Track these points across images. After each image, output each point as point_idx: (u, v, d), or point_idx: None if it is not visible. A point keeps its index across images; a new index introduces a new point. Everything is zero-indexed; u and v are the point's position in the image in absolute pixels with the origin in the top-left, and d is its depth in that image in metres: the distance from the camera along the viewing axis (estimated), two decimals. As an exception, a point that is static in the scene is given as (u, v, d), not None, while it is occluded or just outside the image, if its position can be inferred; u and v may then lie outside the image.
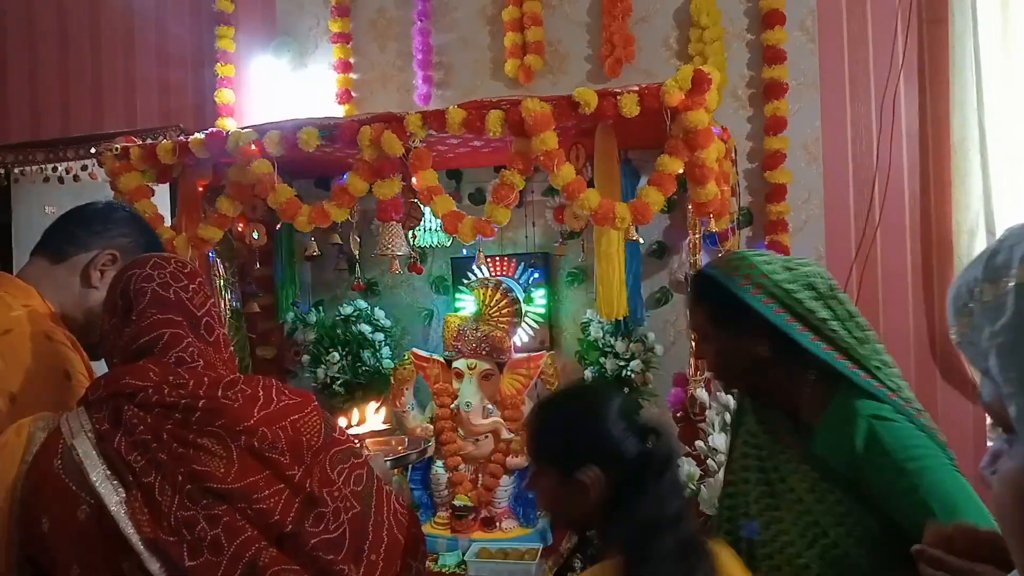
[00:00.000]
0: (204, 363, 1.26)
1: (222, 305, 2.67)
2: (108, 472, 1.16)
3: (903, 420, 1.39)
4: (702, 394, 2.19)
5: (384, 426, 2.19)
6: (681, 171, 2.02)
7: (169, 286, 1.30)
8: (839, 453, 1.41)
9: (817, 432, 1.46)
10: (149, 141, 2.50)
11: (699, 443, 2.13)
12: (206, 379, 1.22)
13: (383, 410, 2.27)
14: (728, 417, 2.15)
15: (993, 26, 2.42)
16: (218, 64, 3.24)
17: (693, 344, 1.72)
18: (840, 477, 1.42)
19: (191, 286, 1.32)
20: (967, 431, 2.54)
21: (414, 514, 1.33)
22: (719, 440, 2.10)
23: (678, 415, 2.28)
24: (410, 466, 2.62)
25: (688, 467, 2.15)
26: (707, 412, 2.18)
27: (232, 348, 1.35)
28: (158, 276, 1.31)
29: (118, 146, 2.48)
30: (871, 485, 1.38)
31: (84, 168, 3.42)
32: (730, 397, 2.19)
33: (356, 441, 1.33)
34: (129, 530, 1.12)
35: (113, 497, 1.14)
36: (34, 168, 3.47)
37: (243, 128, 2.36)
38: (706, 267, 1.59)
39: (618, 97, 2.00)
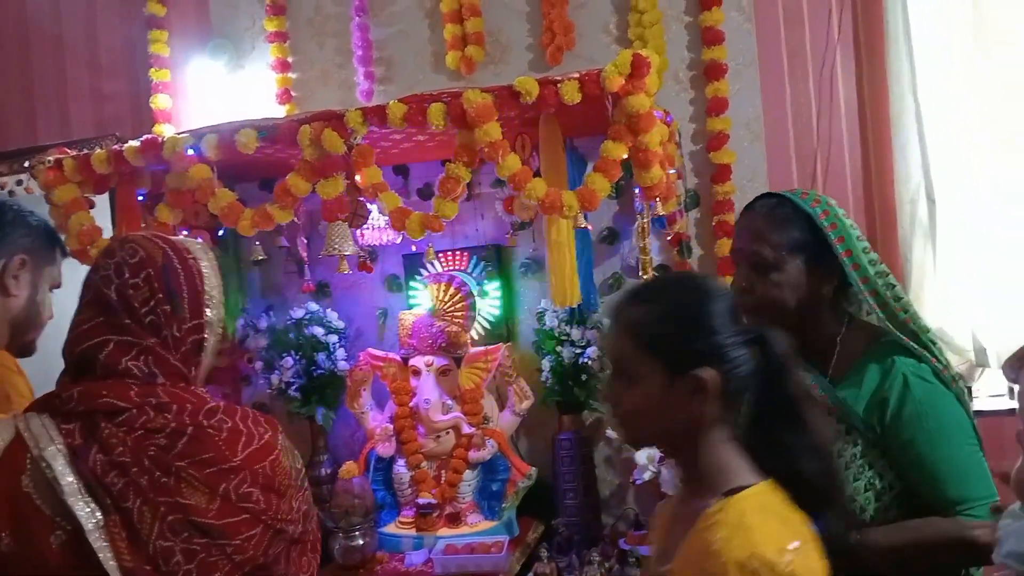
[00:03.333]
0: (162, 371, 1.19)
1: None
2: (84, 493, 1.10)
3: (940, 385, 1.40)
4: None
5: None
6: (626, 156, 2.02)
7: (110, 282, 1.21)
8: (869, 405, 1.41)
9: (847, 383, 1.44)
10: (85, 151, 2.43)
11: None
12: (189, 405, 1.17)
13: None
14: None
15: (923, -3, 2.46)
16: (152, 69, 3.16)
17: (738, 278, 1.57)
18: (864, 430, 1.41)
19: (132, 280, 1.20)
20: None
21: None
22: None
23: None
24: (371, 467, 2.60)
25: (647, 450, 2.16)
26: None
27: (194, 343, 1.24)
28: (103, 267, 1.22)
29: (51, 159, 2.41)
30: (894, 442, 1.38)
31: (19, 183, 3.33)
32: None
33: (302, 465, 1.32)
34: (109, 559, 1.07)
35: (90, 521, 1.08)
36: (-33, 185, 3.37)
37: (180, 133, 2.31)
38: (782, 192, 1.51)
39: (559, 85, 1.99)
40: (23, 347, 1.65)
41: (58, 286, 1.71)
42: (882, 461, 1.40)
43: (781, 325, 1.50)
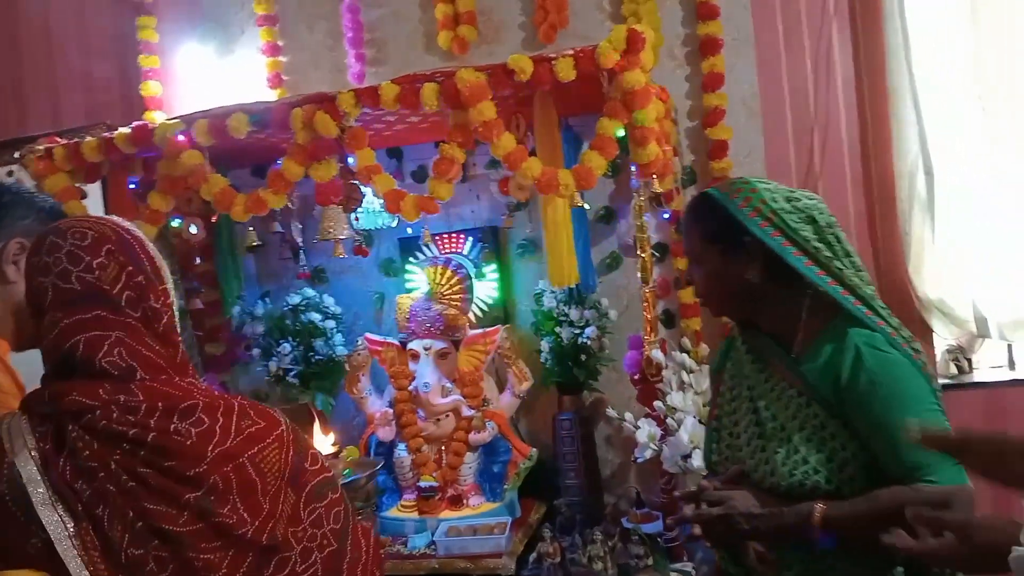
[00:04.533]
0: (140, 363, 1.10)
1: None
2: (55, 501, 1.05)
3: (895, 352, 1.40)
4: (657, 355, 2.19)
5: (332, 450, 2.19)
6: (622, 133, 2.00)
7: (69, 273, 1.11)
8: (827, 379, 1.42)
9: (808, 358, 1.45)
10: (75, 140, 2.40)
11: (658, 403, 2.14)
12: (160, 404, 1.08)
13: (331, 435, 2.25)
14: (685, 376, 2.17)
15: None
16: (141, 56, 3.13)
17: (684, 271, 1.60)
18: (826, 403, 1.42)
19: (96, 261, 1.12)
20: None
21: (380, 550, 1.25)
22: (677, 399, 2.11)
23: (635, 377, 2.29)
24: (372, 452, 2.60)
25: (648, 427, 2.16)
26: (663, 372, 2.19)
27: (172, 313, 1.18)
28: (54, 263, 1.12)
29: (41, 148, 2.39)
30: (852, 413, 1.39)
31: (10, 174, 3.29)
32: (685, 356, 2.21)
33: (331, 470, 1.19)
34: (80, 568, 1.02)
35: (60, 531, 1.03)
36: (-43, 177, 3.34)
37: (170, 119, 2.28)
38: (708, 188, 1.56)
39: (553, 62, 1.97)
40: (32, 339, 1.57)
41: None
42: (844, 432, 1.40)
43: (732, 311, 1.59)
